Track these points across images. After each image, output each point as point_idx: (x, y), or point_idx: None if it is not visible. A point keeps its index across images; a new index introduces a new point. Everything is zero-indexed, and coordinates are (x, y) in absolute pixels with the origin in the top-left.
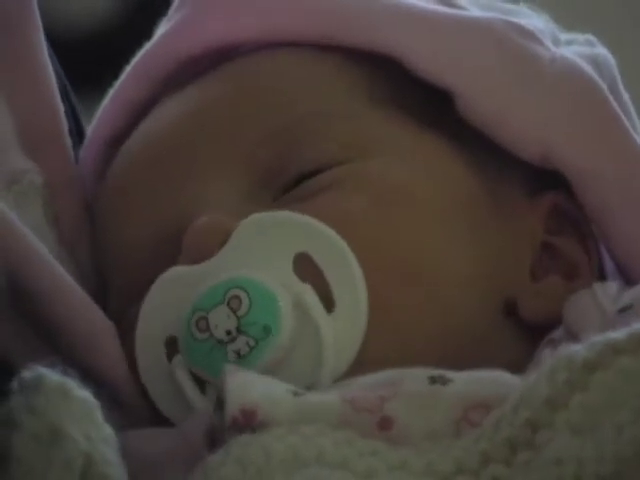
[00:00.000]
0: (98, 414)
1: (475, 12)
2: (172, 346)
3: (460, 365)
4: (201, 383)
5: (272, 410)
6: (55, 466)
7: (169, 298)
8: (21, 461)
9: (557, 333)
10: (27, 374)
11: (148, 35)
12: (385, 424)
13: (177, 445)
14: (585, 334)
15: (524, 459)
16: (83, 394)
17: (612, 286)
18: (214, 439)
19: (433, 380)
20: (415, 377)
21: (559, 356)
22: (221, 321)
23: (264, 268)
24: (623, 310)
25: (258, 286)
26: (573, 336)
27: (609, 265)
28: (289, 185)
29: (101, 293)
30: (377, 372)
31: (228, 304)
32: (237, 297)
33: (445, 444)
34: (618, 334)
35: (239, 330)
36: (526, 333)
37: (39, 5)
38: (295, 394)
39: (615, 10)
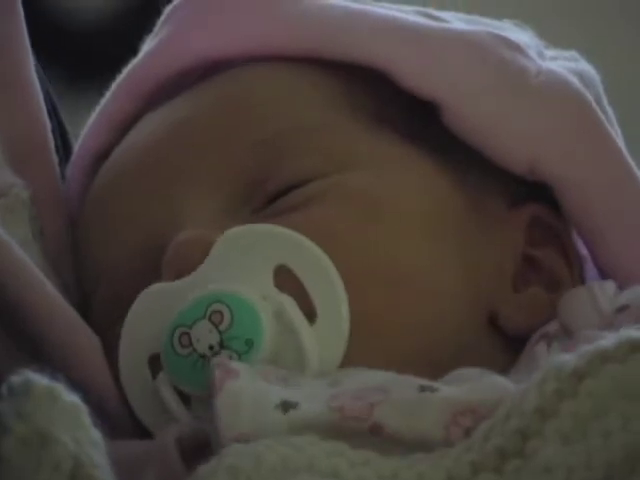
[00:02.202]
0: (86, 418)
1: (460, 26)
2: (156, 364)
3: (446, 375)
4: (185, 397)
5: (264, 433)
6: (44, 469)
7: (150, 316)
8: (11, 465)
9: (551, 327)
10: (15, 379)
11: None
12: (375, 430)
13: (150, 448)
14: (581, 334)
15: (514, 467)
16: (71, 398)
17: (610, 285)
18: (184, 446)
19: (422, 388)
20: (405, 385)
21: (549, 366)
22: (203, 336)
23: (244, 281)
24: (620, 310)
25: (239, 300)
26: (568, 334)
27: (591, 276)
28: (269, 199)
29: (83, 307)
30: (368, 372)
31: (210, 319)
32: (219, 312)
33: (437, 454)
34: (607, 341)
35: (222, 345)
36: (510, 342)
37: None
38: (285, 409)
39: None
